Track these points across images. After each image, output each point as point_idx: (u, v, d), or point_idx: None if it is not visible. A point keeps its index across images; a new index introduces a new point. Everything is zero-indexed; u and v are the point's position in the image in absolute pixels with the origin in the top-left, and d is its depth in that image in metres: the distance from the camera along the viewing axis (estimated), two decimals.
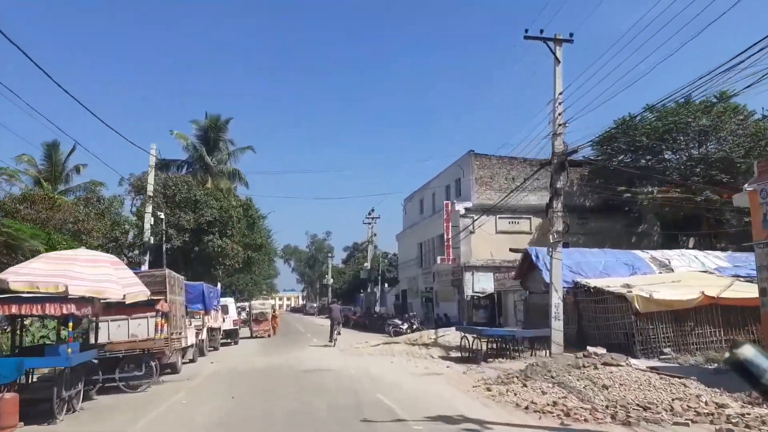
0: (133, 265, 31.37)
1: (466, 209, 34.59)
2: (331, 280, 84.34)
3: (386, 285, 62.94)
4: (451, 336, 22.67)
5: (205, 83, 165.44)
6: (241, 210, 37.66)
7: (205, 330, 22.10)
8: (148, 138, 66.83)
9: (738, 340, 2.44)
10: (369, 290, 52.05)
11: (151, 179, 25.35)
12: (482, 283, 34.31)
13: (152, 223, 25.36)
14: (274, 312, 36.57)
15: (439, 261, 34.74)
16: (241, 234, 35.35)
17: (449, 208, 34.91)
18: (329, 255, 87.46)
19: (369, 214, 50.79)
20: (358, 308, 56.38)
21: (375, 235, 50.03)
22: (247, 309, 37.07)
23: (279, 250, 68.42)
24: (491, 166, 35.36)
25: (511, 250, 23.52)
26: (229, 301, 29.25)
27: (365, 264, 51.05)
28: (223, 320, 26.79)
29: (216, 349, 24.98)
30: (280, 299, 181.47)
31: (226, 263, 35.05)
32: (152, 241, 32.09)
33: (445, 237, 34.70)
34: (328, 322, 51.22)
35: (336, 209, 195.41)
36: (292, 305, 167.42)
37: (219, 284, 52.48)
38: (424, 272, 41.18)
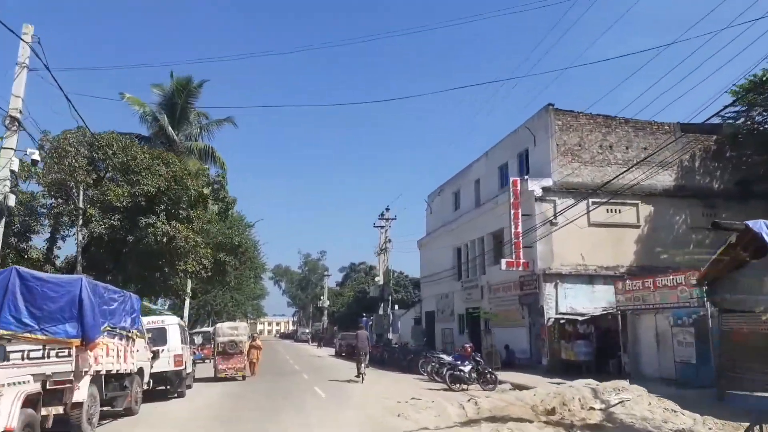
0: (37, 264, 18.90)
1: (545, 190, 22.60)
2: (327, 302, 71.46)
3: (395, 307, 50.36)
4: (638, 402, 10.16)
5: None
6: (205, 184, 25.32)
7: (83, 381, 9.62)
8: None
9: None
10: (381, 312, 39.70)
11: (19, 88, 13.00)
12: (570, 300, 22.06)
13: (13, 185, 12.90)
14: (253, 341, 23.94)
15: (504, 266, 22.43)
16: (205, 220, 22.87)
17: (518, 187, 22.83)
18: (325, 273, 74.84)
19: (382, 215, 38.85)
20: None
21: (389, 241, 38.10)
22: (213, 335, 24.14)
23: (267, 265, 55.80)
24: (579, 127, 23.43)
25: (714, 225, 11.51)
26: (170, 322, 16.54)
27: (376, 278, 38.77)
28: (154, 355, 14.27)
29: (132, 411, 12.45)
30: (269, 324, 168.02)
31: (184, 266, 22.50)
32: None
33: (513, 230, 22.50)
34: (323, 352, 37.06)
35: (331, 227, 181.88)
36: (282, 330, 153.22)
37: (187, 301, 40.01)
38: (467, 287, 28.84)
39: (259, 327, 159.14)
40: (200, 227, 21.92)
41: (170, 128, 30.98)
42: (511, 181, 23.00)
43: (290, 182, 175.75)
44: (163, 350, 15.22)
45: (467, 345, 18.84)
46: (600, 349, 19.50)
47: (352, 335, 42.31)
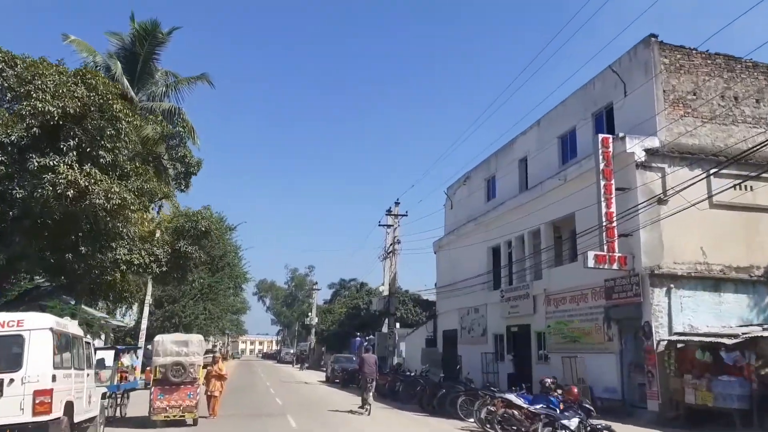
0: None
1: (649, 153, 15.37)
2: (315, 320, 63.29)
3: (396, 326, 42.69)
4: None
5: None
6: (157, 134, 17.66)
7: None
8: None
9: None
10: (384, 330, 31.92)
11: None
12: (689, 314, 14.61)
13: None
14: (214, 364, 16.00)
15: (591, 262, 14.82)
16: (146, 178, 15.03)
17: (609, 147, 15.55)
18: (314, 287, 66.65)
19: (389, 211, 31.41)
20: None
21: (398, 242, 30.56)
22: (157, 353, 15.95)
23: (249, 275, 47.77)
24: (693, 69, 16.28)
25: None
26: (33, 325, 8.34)
27: (380, 288, 31.06)
28: None
29: None
30: (251, 343, 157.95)
31: (126, 254, 14.74)
32: None
33: (603, 210, 15.07)
34: (311, 377, 28.87)
35: (320, 240, 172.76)
36: (265, 350, 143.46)
37: (146, 310, 31.93)
38: (509, 297, 21.24)
39: (241, 346, 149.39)
40: (139, 187, 14.17)
41: (126, 80, 23.46)
42: (599, 139, 15.57)
43: (277, 188, 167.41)
44: (11, 381, 7.52)
45: (572, 386, 11.33)
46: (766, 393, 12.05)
47: (347, 358, 34.57)
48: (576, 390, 11.72)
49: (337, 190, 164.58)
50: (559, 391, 11.86)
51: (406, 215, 31.11)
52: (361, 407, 16.08)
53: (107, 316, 32.55)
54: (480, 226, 24.37)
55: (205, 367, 15.16)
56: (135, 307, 31.27)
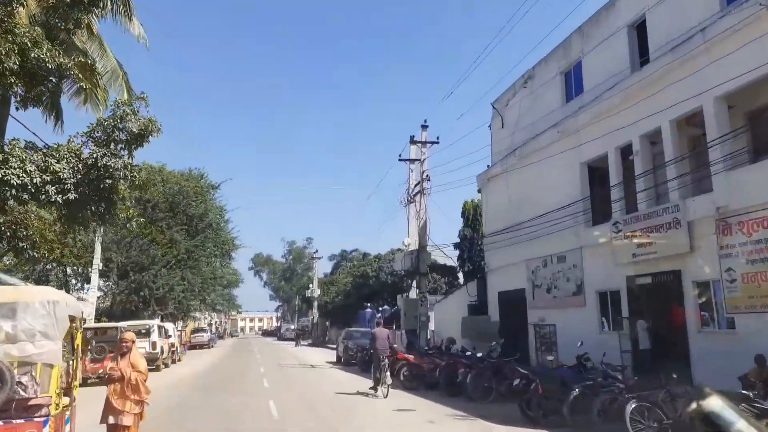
0: None
1: None
2: (317, 292, 55.42)
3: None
4: None
5: None
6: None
7: None
8: None
9: (705, 391, 1.82)
10: (412, 295, 23.90)
11: None
12: None
13: None
14: (120, 357, 7.22)
15: None
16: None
17: None
18: (314, 256, 58.47)
19: (413, 139, 23.17)
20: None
21: (428, 178, 22.27)
22: None
23: (238, 241, 39.44)
24: None
25: None
26: None
27: (404, 242, 22.81)
28: None
29: None
30: (251, 320, 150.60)
31: None
32: None
33: None
34: (316, 356, 25.62)
35: (319, 212, 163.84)
36: (265, 327, 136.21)
37: (94, 277, 23.37)
38: (631, 232, 13.11)
39: (240, 324, 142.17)
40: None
41: None
42: None
43: (268, 157, 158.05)
44: None
45: None
46: None
47: (363, 333, 26.67)
48: None
49: (335, 148, 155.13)
50: None
51: (437, 142, 22.81)
52: (373, 388, 13.45)
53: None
54: (563, 136, 16.13)
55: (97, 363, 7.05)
56: (94, 276, 23.16)
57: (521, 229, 17.63)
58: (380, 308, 38.91)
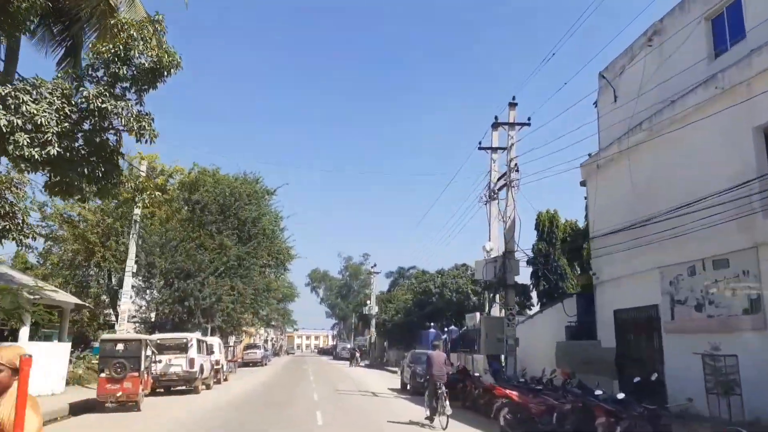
0: None
1: None
2: (375, 309, 51.61)
3: (486, 310, 30.58)
4: None
5: None
6: None
7: None
8: None
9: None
10: (495, 313, 19.57)
11: None
12: None
13: None
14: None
15: None
16: None
17: None
18: (372, 270, 54.52)
19: (495, 121, 19.12)
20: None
21: (516, 168, 18.08)
22: None
23: (293, 250, 36.22)
24: None
25: None
26: None
27: (486, 247, 18.60)
28: None
29: None
30: (306, 338, 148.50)
31: None
32: None
33: None
34: (377, 380, 23.11)
35: (376, 226, 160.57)
36: (321, 345, 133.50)
37: (128, 281, 19.91)
38: None
39: (296, 341, 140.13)
40: None
41: None
42: None
43: (327, 175, 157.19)
44: None
45: None
46: None
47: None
48: None
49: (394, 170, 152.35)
50: None
51: (529, 124, 18.63)
52: (429, 419, 12.15)
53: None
54: (722, 94, 11.63)
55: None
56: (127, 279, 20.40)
57: (652, 225, 13.14)
58: (446, 329, 34.64)
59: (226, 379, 25.82)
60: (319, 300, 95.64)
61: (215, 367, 23.03)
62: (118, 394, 13.26)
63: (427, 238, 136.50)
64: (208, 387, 20.89)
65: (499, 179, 19.44)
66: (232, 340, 42.38)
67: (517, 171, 18.42)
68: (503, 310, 18.67)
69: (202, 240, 27.32)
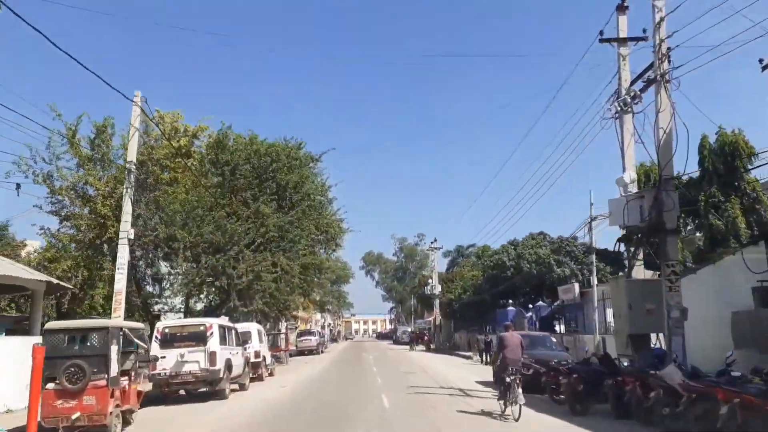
0: None
1: None
2: (438, 288, 45.74)
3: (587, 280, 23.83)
4: None
5: None
6: None
7: None
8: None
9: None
10: (644, 274, 13.44)
11: None
12: None
13: None
14: None
15: None
16: None
17: None
18: (433, 246, 48.27)
19: (622, 2, 12.97)
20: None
21: (668, 58, 12.26)
22: None
23: (344, 224, 30.56)
24: None
25: None
26: None
27: (626, 178, 12.60)
28: None
29: None
30: (363, 323, 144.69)
31: None
32: None
33: None
34: (456, 371, 19.55)
35: (432, 205, 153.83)
36: (379, 330, 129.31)
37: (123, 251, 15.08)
38: None
39: (354, 326, 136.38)
40: None
41: None
42: None
43: (380, 155, 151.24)
44: None
45: None
46: None
47: (541, 339, 16.42)
48: None
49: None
50: None
51: None
52: (502, 413, 10.51)
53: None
54: None
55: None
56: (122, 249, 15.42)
57: None
58: (531, 306, 28.36)
59: (270, 374, 20.77)
60: (375, 283, 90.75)
61: (254, 360, 17.94)
62: (74, 416, 8.06)
63: (484, 215, 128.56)
64: (242, 387, 15.77)
65: (635, 81, 13.05)
66: (283, 326, 37.70)
67: (669, 61, 11.98)
68: (659, 270, 12.31)
69: (235, 208, 22.27)
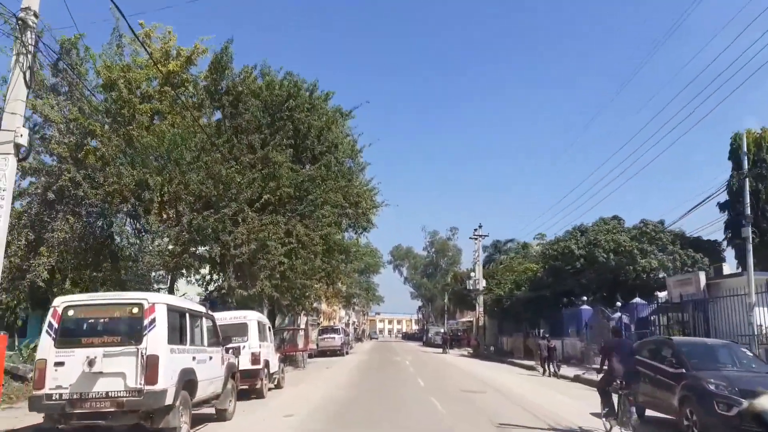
0: None
1: None
2: (483, 283, 38.75)
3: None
4: None
5: None
6: None
7: None
8: None
9: (758, 390, 1.98)
10: None
11: None
12: None
13: None
14: None
15: None
16: None
17: None
18: (478, 233, 40.85)
19: None
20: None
21: None
22: None
23: (378, 198, 23.91)
24: None
25: None
26: None
27: None
28: None
29: None
30: (389, 322, 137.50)
31: None
32: None
33: None
34: (544, 393, 13.80)
35: (463, 198, 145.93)
36: (405, 330, 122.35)
37: None
38: None
39: (378, 325, 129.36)
40: None
41: None
42: None
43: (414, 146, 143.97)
44: None
45: None
46: None
47: (728, 347, 9.51)
48: None
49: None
50: None
51: None
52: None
53: None
54: None
55: None
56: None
57: None
58: (619, 305, 21.25)
59: (277, 386, 14.35)
60: (403, 280, 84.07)
61: (250, 368, 11.53)
62: None
63: (525, 208, 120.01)
64: (220, 416, 9.32)
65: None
66: (303, 321, 31.40)
67: None
68: None
69: (235, 152, 15.94)
